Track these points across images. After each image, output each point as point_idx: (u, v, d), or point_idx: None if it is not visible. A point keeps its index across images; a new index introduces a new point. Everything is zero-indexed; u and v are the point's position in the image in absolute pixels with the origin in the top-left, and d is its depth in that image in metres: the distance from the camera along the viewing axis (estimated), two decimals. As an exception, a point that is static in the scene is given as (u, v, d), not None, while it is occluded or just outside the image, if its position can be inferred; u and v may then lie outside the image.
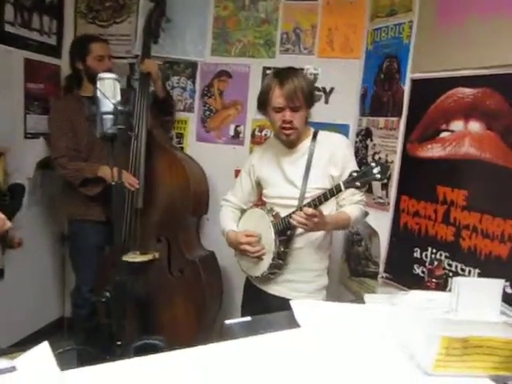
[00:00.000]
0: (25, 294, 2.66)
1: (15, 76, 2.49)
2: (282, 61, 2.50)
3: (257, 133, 2.61)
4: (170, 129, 2.74)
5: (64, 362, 0.90)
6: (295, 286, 1.79)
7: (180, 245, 2.36)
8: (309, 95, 1.69)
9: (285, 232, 1.71)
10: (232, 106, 2.65)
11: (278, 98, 1.65)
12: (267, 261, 1.73)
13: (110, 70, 2.43)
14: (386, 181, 1.95)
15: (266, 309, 1.75)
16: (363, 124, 2.32)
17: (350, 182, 1.46)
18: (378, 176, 1.40)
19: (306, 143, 1.79)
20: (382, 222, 2.12)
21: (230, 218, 1.90)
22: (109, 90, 1.21)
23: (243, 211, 1.90)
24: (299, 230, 1.75)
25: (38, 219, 2.73)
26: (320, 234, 1.76)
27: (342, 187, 1.47)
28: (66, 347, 0.89)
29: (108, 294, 1.27)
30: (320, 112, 2.41)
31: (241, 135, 2.66)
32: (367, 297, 1.12)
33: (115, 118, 1.18)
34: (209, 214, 2.58)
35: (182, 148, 2.75)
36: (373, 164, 1.42)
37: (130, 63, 2.75)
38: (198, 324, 2.36)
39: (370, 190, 2.21)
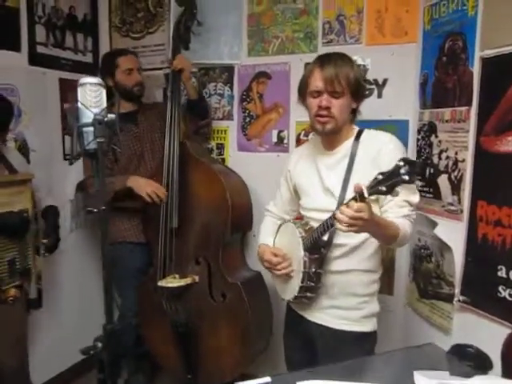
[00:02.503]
0: (72, 319, 2.58)
1: (51, 97, 2.44)
2: (325, 54, 2.22)
3: (302, 137, 2.33)
4: (209, 137, 2.54)
5: None
6: (339, 312, 1.52)
7: (220, 266, 2.14)
8: (354, 82, 1.43)
9: (317, 249, 1.44)
10: (273, 110, 2.40)
11: (316, 80, 1.43)
12: (297, 283, 1.47)
13: (140, 84, 2.33)
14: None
15: (307, 338, 1.58)
16: (425, 118, 1.96)
17: (373, 187, 1.13)
18: (406, 178, 1.06)
19: (347, 144, 1.51)
20: (454, 234, 1.75)
21: (268, 231, 1.71)
22: (91, 98, 1.02)
23: (282, 223, 1.67)
24: (340, 250, 1.48)
25: (82, 242, 2.66)
26: (368, 254, 1.50)
27: (366, 193, 1.15)
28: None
29: (99, 345, 1.06)
30: (373, 108, 2.11)
31: (285, 141, 2.39)
32: (417, 375, 0.79)
33: (94, 130, 0.98)
34: (255, 229, 2.34)
35: (223, 159, 2.54)
36: (400, 163, 1.08)
37: (165, 74, 2.61)
38: (244, 354, 2.12)
39: (437, 196, 1.86)
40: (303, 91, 1.50)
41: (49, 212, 2.07)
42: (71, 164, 1.05)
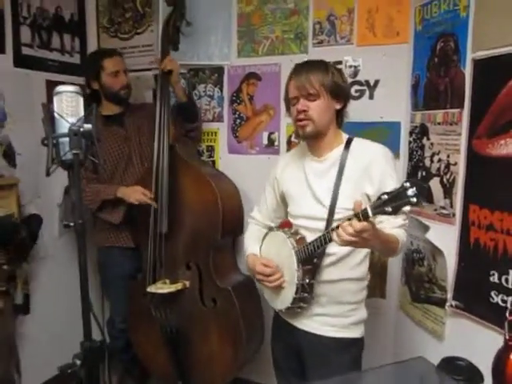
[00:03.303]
0: (60, 325, 2.53)
1: (37, 99, 2.38)
2: (316, 55, 2.17)
3: (293, 139, 2.30)
4: (199, 140, 2.50)
5: None
6: (327, 319, 1.51)
7: (211, 271, 2.11)
8: (331, 84, 1.43)
9: (310, 260, 1.42)
10: (264, 112, 2.36)
11: (291, 88, 1.47)
12: (290, 294, 1.45)
13: (127, 86, 2.28)
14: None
15: (294, 345, 1.57)
16: (417, 120, 1.94)
17: (378, 207, 1.11)
18: (414, 200, 1.05)
19: (336, 152, 1.49)
20: (446, 238, 1.73)
21: (254, 239, 1.68)
22: (67, 107, 0.98)
23: (268, 231, 1.64)
24: (329, 259, 1.47)
25: (70, 247, 2.61)
26: (356, 262, 1.49)
27: (370, 213, 1.13)
28: None
29: (78, 362, 1.02)
30: (364, 109, 2.10)
31: (276, 143, 2.36)
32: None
33: (70, 141, 0.94)
34: (246, 233, 2.31)
35: (213, 162, 2.51)
36: (407, 184, 1.07)
37: (154, 75, 2.57)
38: (235, 360, 2.09)
39: (429, 199, 1.83)
40: (287, 102, 1.53)
41: (31, 221, 2.02)
42: (48, 175, 1.02)
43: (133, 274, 2.35)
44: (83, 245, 1.05)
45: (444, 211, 1.76)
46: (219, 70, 2.44)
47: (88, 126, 0.98)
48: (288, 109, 1.55)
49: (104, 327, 2.84)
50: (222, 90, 2.45)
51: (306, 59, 1.61)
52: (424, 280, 1.92)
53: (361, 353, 1.57)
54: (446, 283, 1.75)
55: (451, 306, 1.71)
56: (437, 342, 1.80)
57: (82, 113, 1.01)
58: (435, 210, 1.80)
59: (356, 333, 1.53)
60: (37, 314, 2.36)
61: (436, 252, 1.82)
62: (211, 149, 2.51)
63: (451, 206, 1.72)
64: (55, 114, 0.99)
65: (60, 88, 1.04)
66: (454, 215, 1.71)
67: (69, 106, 0.99)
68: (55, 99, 1.02)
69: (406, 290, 2.05)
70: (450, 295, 1.72)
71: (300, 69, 1.48)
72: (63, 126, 0.99)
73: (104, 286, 2.50)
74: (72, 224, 1.03)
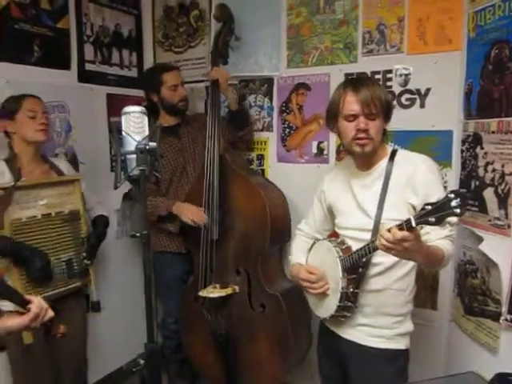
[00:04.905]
0: (117, 324, 2.68)
1: (99, 112, 2.56)
2: (365, 64, 2.20)
3: (342, 148, 2.31)
4: (250, 148, 2.58)
5: None
6: (372, 330, 1.52)
7: (260, 277, 2.16)
8: (386, 104, 1.45)
9: (355, 269, 1.44)
10: (313, 121, 2.39)
11: (351, 104, 1.43)
12: (334, 302, 1.47)
13: (185, 99, 2.38)
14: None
15: (339, 354, 1.60)
16: (470, 128, 1.90)
17: (421, 217, 1.13)
18: (458, 211, 1.06)
19: (381, 164, 1.51)
20: (501, 250, 1.68)
21: (300, 250, 1.72)
22: (134, 126, 1.07)
23: (315, 241, 1.68)
24: (376, 269, 1.48)
25: (128, 250, 2.76)
26: (403, 273, 1.49)
27: (413, 223, 1.15)
28: None
29: (142, 362, 1.10)
30: (415, 118, 2.10)
31: (325, 152, 2.38)
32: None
33: (137, 158, 1.03)
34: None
35: (263, 170, 2.57)
36: (451, 195, 1.07)
37: (206, 86, 2.67)
38: (283, 364, 2.13)
39: (483, 210, 1.79)
40: (334, 116, 1.50)
41: (98, 222, 2.13)
42: (116, 188, 1.11)
43: (183, 277, 2.45)
44: (148, 254, 1.13)
45: (499, 222, 1.72)
46: (269, 81, 2.50)
47: (153, 144, 1.07)
48: (332, 120, 1.51)
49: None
50: (271, 101, 2.51)
51: (355, 74, 1.61)
52: (477, 292, 1.87)
53: (406, 365, 1.56)
54: (501, 296, 1.70)
55: (506, 320, 1.67)
56: (490, 356, 1.75)
57: (146, 131, 1.09)
58: (489, 220, 1.76)
59: (401, 344, 1.53)
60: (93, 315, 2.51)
61: (490, 264, 1.77)
62: (261, 157, 2.57)
63: (506, 217, 1.68)
64: (123, 133, 1.08)
65: (127, 108, 1.13)
66: (509, 226, 1.66)
67: (135, 125, 1.08)
68: (123, 119, 1.11)
69: (459, 303, 2.00)
70: (504, 309, 1.67)
71: (359, 84, 1.45)
72: (130, 144, 1.08)
73: (156, 289, 2.61)
74: (138, 234, 1.11)
